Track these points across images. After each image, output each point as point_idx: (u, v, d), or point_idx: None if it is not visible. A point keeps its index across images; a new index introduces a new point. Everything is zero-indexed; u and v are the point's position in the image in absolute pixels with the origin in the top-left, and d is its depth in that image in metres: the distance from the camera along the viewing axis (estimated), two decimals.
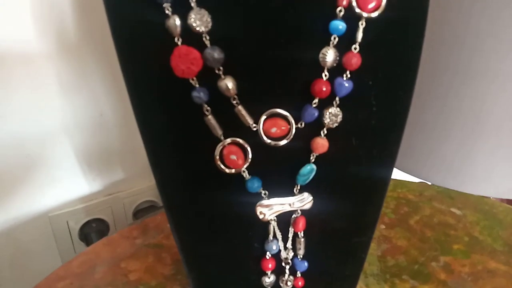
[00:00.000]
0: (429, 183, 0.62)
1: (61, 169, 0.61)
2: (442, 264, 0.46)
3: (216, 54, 0.26)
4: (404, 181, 0.61)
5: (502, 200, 0.65)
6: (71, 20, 0.53)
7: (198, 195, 0.31)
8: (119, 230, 0.69)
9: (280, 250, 0.33)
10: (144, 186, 0.70)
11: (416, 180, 0.61)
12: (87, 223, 0.66)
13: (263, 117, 0.29)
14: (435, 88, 0.52)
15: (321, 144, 0.29)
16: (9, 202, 0.59)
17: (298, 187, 0.31)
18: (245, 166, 0.29)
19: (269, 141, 0.29)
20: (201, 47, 0.26)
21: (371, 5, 0.28)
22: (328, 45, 0.28)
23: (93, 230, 0.65)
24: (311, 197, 0.31)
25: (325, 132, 0.30)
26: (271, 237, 0.33)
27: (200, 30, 0.26)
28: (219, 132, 0.28)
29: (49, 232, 0.63)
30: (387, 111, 0.31)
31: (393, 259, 0.47)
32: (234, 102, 0.28)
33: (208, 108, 0.28)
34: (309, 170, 0.30)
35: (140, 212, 0.72)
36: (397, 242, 0.49)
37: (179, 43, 0.26)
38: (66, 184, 0.63)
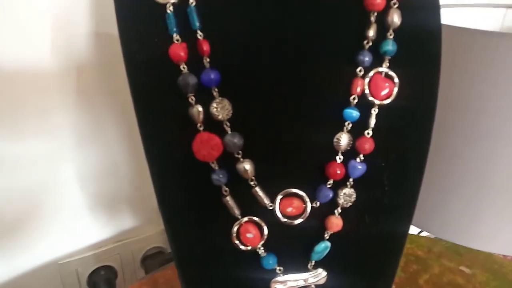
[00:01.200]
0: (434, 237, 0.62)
1: (72, 217, 0.62)
2: None
3: (236, 140, 0.28)
4: (412, 235, 0.61)
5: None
6: (89, 74, 0.55)
7: (214, 270, 0.32)
8: (127, 277, 0.69)
9: None
10: (152, 232, 0.71)
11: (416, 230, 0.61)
12: (96, 271, 0.66)
13: (279, 197, 0.30)
14: (441, 147, 0.53)
15: (335, 223, 0.30)
16: (19, 250, 0.60)
17: (313, 263, 0.32)
18: (260, 243, 0.30)
19: (284, 219, 0.30)
20: (221, 132, 0.28)
21: (384, 92, 0.29)
22: (342, 130, 0.29)
23: (101, 278, 0.65)
24: (325, 273, 0.32)
25: (339, 211, 0.30)
26: None
27: (221, 118, 0.27)
28: (236, 212, 0.29)
29: (57, 280, 0.63)
30: (399, 190, 0.31)
31: None
32: (252, 183, 0.29)
33: (227, 189, 0.29)
34: (323, 248, 0.31)
35: (148, 258, 0.72)
36: None
37: (201, 129, 0.28)
38: (77, 232, 0.63)
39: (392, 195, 0.31)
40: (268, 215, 0.30)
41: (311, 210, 0.30)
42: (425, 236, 0.63)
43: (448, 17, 0.64)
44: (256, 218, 0.30)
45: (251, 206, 0.30)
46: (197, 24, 0.27)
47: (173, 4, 0.27)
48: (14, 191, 0.55)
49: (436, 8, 0.30)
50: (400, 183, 0.31)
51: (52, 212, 0.60)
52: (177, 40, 0.27)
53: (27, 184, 0.56)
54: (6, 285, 0.60)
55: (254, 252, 0.30)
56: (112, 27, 0.50)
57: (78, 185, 0.60)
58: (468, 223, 0.53)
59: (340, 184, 0.30)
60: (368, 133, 0.29)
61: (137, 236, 0.70)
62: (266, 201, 0.29)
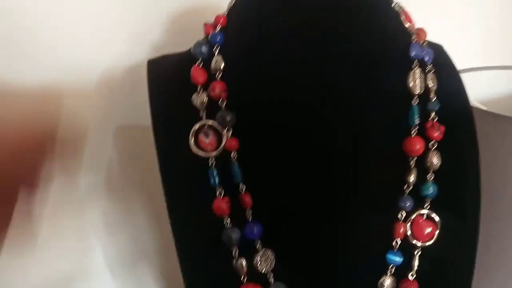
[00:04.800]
0: None
1: None
2: None
3: None
4: None
5: None
6: (118, 166, 0.57)
7: None
8: None
9: None
10: None
11: None
12: None
13: None
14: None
15: None
16: None
17: None
18: None
19: None
20: (265, 282, 0.28)
21: (426, 234, 0.29)
22: (385, 273, 0.29)
23: None
24: None
25: None
26: None
27: (265, 272, 0.27)
28: None
29: None
30: None
31: None
32: None
33: None
34: None
35: None
36: None
37: (245, 280, 0.28)
38: None
39: None
40: None
41: None
42: None
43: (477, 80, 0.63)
44: None
45: None
46: (240, 178, 0.28)
47: (214, 157, 0.28)
48: (45, 285, 0.56)
49: (475, 146, 0.30)
50: None
51: None
52: (220, 194, 0.28)
53: (61, 277, 0.56)
54: None
55: None
56: (140, 119, 0.51)
57: (109, 273, 0.60)
58: None
59: None
60: (412, 276, 0.29)
61: None
62: None
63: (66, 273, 0.57)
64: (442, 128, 0.29)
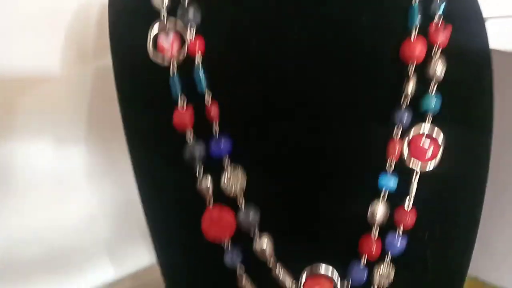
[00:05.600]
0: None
1: (87, 259, 0.59)
2: None
3: (250, 218, 0.24)
4: None
5: None
6: (97, 109, 0.53)
7: None
8: None
9: None
10: None
11: None
12: None
13: (304, 277, 0.25)
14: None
15: None
16: None
17: None
18: None
19: None
20: (235, 204, 0.24)
21: (427, 156, 0.25)
22: (378, 199, 0.25)
23: None
24: None
25: None
26: None
27: (233, 195, 0.24)
28: None
29: None
30: (444, 267, 0.27)
31: None
32: (271, 265, 0.25)
33: (242, 273, 0.25)
34: None
35: None
36: None
37: (211, 204, 0.24)
38: (92, 273, 0.61)
39: (437, 272, 0.26)
40: None
41: None
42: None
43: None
44: None
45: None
46: (204, 87, 0.23)
47: (177, 64, 0.24)
48: (25, 237, 0.53)
49: (486, 54, 0.25)
50: (447, 260, 0.26)
51: (67, 255, 0.58)
52: (182, 107, 0.24)
53: (41, 229, 0.54)
54: None
55: None
56: None
57: (92, 224, 0.58)
58: None
59: (376, 260, 0.26)
60: (408, 204, 0.25)
61: (154, 274, 0.66)
62: (288, 283, 0.25)
63: (45, 224, 0.54)
64: (448, 32, 0.25)
